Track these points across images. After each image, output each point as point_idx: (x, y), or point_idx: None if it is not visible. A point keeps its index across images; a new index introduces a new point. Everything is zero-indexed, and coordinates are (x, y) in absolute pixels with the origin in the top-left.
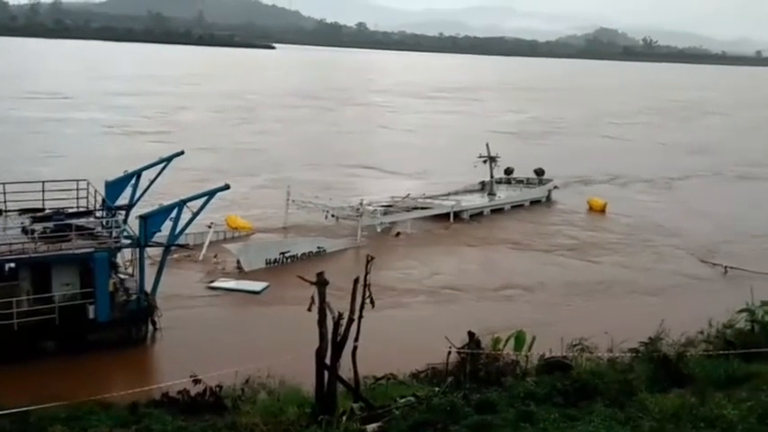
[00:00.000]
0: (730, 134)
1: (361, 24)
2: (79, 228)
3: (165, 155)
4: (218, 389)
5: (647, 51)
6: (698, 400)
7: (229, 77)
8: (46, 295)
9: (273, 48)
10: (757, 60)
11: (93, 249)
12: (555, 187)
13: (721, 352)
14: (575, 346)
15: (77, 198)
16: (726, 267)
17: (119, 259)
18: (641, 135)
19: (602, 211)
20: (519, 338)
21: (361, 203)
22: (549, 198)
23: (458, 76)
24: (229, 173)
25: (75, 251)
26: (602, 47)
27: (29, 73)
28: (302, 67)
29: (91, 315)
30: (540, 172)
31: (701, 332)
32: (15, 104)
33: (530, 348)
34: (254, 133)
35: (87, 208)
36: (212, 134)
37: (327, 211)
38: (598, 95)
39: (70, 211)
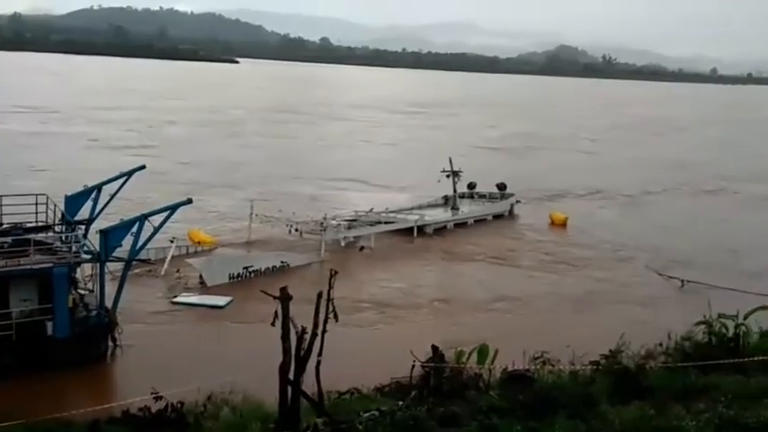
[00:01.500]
0: (703, 149)
1: (324, 39)
2: (38, 242)
3: (126, 169)
4: (179, 405)
5: (606, 68)
6: (657, 411)
7: (205, 92)
8: (3, 311)
9: (237, 62)
10: (713, 78)
11: (51, 264)
12: (517, 201)
13: (680, 364)
14: (537, 358)
15: (36, 213)
16: (683, 281)
17: (78, 275)
18: (617, 150)
19: (564, 225)
20: (482, 352)
21: (324, 218)
22: (511, 212)
23: (428, 91)
24: (216, 186)
25: (34, 266)
26: (562, 64)
27: (2, 86)
28: (273, 81)
29: (50, 331)
30: (502, 186)
31: (660, 344)
32: (2, 118)
33: (493, 361)
34: (241, 147)
35: (46, 223)
36: (200, 148)
37: (291, 226)
38: (568, 111)
39: (29, 225)
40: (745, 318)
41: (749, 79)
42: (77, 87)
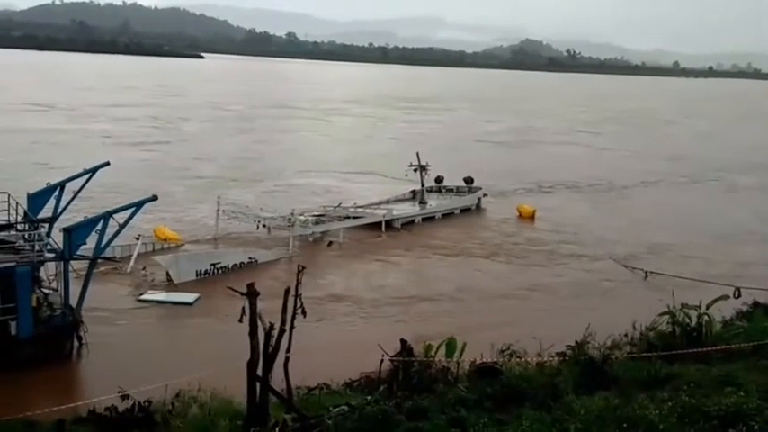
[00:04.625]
0: (698, 141)
1: (291, 34)
2: (0, 241)
3: (89, 166)
4: (147, 404)
5: (570, 62)
6: (622, 401)
7: (196, 88)
8: None
9: (203, 57)
10: (675, 71)
11: (14, 263)
12: (484, 195)
13: (644, 354)
14: (504, 351)
15: None
16: (646, 272)
17: (42, 273)
18: (616, 143)
19: (531, 218)
20: (450, 345)
21: (292, 213)
22: (478, 206)
23: (411, 86)
24: (237, 179)
25: None
26: (527, 58)
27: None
28: (252, 77)
29: (13, 331)
30: (469, 180)
31: (626, 335)
32: (20, 117)
33: (461, 355)
34: (253, 142)
35: (8, 221)
36: (215, 143)
37: (259, 222)
38: (554, 105)
39: None
40: (708, 307)
41: (710, 72)
42: (69, 85)
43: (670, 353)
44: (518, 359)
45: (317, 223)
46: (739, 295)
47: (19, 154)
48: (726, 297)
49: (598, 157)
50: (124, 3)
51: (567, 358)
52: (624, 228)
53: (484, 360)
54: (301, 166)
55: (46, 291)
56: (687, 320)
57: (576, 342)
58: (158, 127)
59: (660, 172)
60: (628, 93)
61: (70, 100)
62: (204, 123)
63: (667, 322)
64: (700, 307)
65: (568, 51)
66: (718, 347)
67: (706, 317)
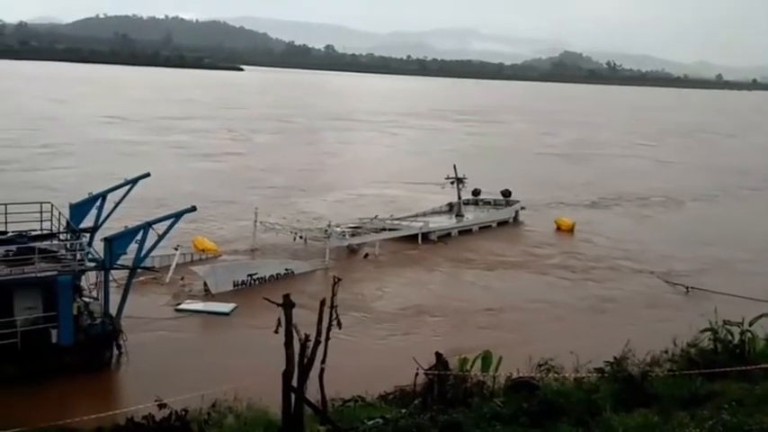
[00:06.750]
0: (760, 156)
1: (329, 47)
2: (42, 251)
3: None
4: (183, 413)
5: (611, 74)
6: (661, 419)
7: (252, 100)
8: (8, 319)
9: (242, 70)
10: (718, 84)
11: (56, 272)
12: (522, 208)
13: (685, 371)
14: (541, 366)
15: (41, 221)
16: (687, 287)
17: (83, 282)
18: (680, 156)
19: (571, 231)
20: (486, 359)
21: (329, 225)
22: (516, 219)
23: (459, 98)
24: (306, 189)
25: (38, 274)
26: (566, 70)
27: (60, 96)
28: (298, 89)
29: (54, 339)
30: (506, 193)
31: (666, 351)
32: (102, 128)
33: (497, 369)
34: (321, 154)
35: (51, 231)
36: (285, 154)
37: (295, 233)
38: (606, 117)
39: (33, 233)
40: (751, 324)
41: (754, 85)
42: (128, 97)
43: (711, 370)
44: (555, 374)
45: (353, 235)
46: None
47: (105, 165)
48: None
49: (660, 170)
50: (166, 16)
51: (605, 374)
52: (671, 242)
53: (520, 375)
54: (369, 176)
55: (86, 299)
56: (729, 337)
57: (615, 358)
58: (233, 139)
59: (720, 186)
60: (673, 105)
61: (138, 112)
62: (274, 135)
63: (709, 339)
64: (742, 324)
65: (608, 63)
66: (762, 365)
67: (749, 334)
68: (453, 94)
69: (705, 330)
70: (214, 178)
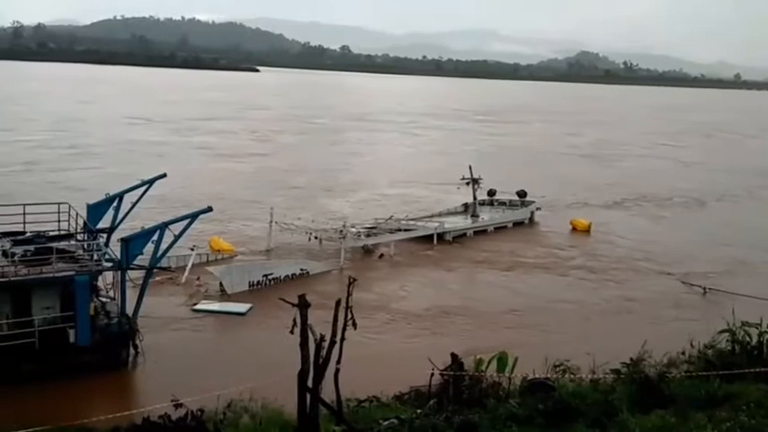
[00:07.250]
0: None
1: (344, 47)
2: (60, 251)
3: (147, 177)
4: (199, 413)
5: (628, 74)
6: (679, 420)
7: (274, 101)
8: (26, 319)
9: (257, 71)
10: (737, 84)
11: (73, 273)
12: (537, 209)
13: (702, 373)
14: (557, 367)
15: (59, 221)
16: (705, 288)
17: (100, 282)
18: (703, 157)
19: (587, 231)
20: (502, 360)
21: (344, 225)
22: (531, 219)
23: (478, 99)
24: (331, 189)
25: (56, 274)
26: (583, 70)
27: (85, 97)
28: (316, 90)
29: (71, 339)
30: (522, 193)
31: (683, 353)
32: (128, 129)
33: (512, 370)
34: (345, 154)
35: (68, 231)
36: (310, 155)
37: (311, 233)
38: (626, 117)
39: (51, 234)
40: None
41: None
42: (151, 98)
43: (729, 372)
44: (571, 375)
45: (368, 235)
46: None
47: (131, 165)
48: None
49: (682, 170)
50: (183, 18)
51: (621, 376)
52: (690, 243)
53: (536, 376)
54: (392, 176)
55: (103, 299)
56: (747, 339)
57: (632, 359)
58: (256, 139)
59: (743, 186)
60: (693, 105)
61: (162, 113)
62: (298, 136)
63: (726, 340)
64: (761, 325)
65: (625, 63)
66: None
67: (767, 335)
68: (470, 94)
69: (723, 332)
70: (238, 179)
